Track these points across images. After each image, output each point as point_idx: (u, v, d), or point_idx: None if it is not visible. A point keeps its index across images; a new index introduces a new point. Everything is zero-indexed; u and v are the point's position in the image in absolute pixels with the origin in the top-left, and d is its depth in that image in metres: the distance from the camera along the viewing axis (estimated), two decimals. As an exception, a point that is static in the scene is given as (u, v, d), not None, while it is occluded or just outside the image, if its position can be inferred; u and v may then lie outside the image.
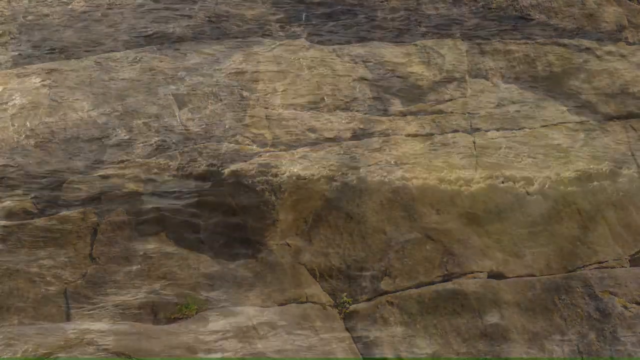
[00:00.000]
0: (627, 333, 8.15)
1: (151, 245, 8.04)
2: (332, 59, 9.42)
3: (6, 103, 8.72)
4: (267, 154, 8.59)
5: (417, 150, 8.82)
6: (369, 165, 8.60)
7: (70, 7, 9.76)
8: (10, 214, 8.05)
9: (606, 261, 8.51)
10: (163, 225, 8.15)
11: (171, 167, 8.40)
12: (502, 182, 8.74)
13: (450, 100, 9.29)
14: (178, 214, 8.20)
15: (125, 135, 8.59)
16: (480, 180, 8.70)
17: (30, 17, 9.63)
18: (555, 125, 9.29)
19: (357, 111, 9.05)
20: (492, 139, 9.04)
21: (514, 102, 9.39)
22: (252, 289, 7.96)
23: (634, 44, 10.06)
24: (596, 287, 8.29)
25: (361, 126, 8.94)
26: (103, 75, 9.04)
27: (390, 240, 8.26)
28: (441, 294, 8.11)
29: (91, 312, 7.73)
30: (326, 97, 9.10)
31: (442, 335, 7.98)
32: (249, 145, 8.64)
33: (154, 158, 8.46)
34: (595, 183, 8.91)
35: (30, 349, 7.19)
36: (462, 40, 9.74)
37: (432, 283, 8.20)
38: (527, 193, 8.72)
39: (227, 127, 8.74)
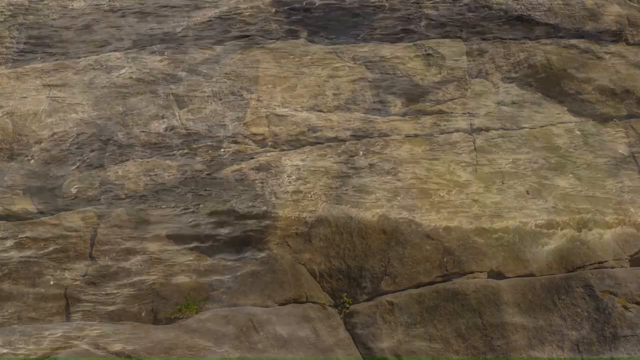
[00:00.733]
0: (627, 333, 8.14)
1: (151, 245, 8.04)
2: (332, 58, 9.43)
3: (6, 103, 8.73)
4: (267, 153, 8.60)
5: (417, 150, 8.83)
6: (369, 165, 8.60)
7: (70, 7, 9.76)
8: (10, 214, 8.05)
9: (606, 261, 8.51)
10: (163, 225, 8.15)
11: (171, 167, 8.41)
12: (502, 182, 8.75)
13: (450, 100, 9.29)
14: (178, 214, 8.21)
15: (125, 135, 8.59)
16: (480, 183, 8.70)
17: (30, 17, 9.63)
18: (554, 125, 9.29)
19: (357, 111, 9.05)
20: (492, 138, 9.05)
21: (513, 102, 9.39)
22: (252, 289, 7.96)
23: (634, 44, 10.06)
24: (596, 287, 8.29)
25: (361, 126, 8.94)
26: (103, 75, 9.04)
27: (390, 240, 8.26)
28: (441, 294, 8.11)
29: (91, 312, 7.73)
30: (326, 97, 9.11)
31: (442, 335, 7.97)
32: (249, 145, 8.64)
33: (154, 158, 8.47)
34: (595, 183, 8.92)
35: (30, 349, 7.19)
36: (462, 40, 9.75)
37: (432, 283, 8.20)
38: (527, 193, 8.73)
39: (227, 127, 8.74)
